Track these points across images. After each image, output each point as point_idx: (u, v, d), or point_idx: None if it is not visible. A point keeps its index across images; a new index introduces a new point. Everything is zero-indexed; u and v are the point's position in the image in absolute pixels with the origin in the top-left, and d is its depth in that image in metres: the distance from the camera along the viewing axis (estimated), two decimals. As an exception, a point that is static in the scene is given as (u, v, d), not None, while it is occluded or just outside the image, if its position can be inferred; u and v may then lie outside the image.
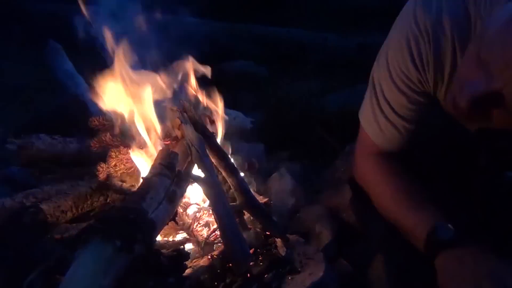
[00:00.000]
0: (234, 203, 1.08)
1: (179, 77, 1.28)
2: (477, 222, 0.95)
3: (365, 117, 1.01)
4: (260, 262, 0.96)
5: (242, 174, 1.20)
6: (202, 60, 1.31)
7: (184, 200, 1.11)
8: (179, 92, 1.27)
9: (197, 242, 1.04)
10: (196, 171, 1.06)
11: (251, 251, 0.96)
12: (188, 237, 1.07)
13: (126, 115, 1.16)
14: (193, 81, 1.31)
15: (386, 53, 0.93)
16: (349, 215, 1.18)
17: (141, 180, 0.93)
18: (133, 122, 1.15)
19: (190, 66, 1.31)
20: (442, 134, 0.99)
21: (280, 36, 3.60)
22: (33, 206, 1.03)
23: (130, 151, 1.15)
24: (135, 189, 1.07)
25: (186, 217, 1.09)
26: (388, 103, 0.94)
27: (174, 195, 0.93)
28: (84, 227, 0.76)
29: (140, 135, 1.15)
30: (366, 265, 1.04)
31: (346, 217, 1.18)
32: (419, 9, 0.84)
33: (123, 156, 1.15)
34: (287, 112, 2.16)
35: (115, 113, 1.18)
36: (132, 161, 1.15)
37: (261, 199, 1.18)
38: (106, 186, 1.15)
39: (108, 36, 1.19)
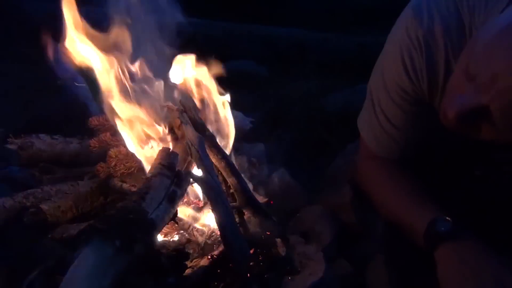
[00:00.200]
0: (234, 203, 1.08)
1: (179, 77, 1.28)
2: (476, 221, 0.95)
3: (363, 125, 1.02)
4: (260, 262, 0.96)
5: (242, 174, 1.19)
6: (202, 60, 1.31)
7: (184, 200, 1.11)
8: (179, 92, 1.27)
9: (197, 242, 1.04)
10: (196, 171, 1.06)
11: (251, 251, 0.96)
12: (188, 237, 1.07)
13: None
14: (193, 81, 1.31)
15: (381, 65, 0.93)
16: (349, 215, 1.18)
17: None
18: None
19: (190, 66, 1.30)
20: (442, 142, 0.99)
21: (280, 36, 3.59)
22: (33, 206, 1.03)
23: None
24: (135, 189, 1.07)
25: (186, 217, 1.09)
26: (384, 114, 0.94)
27: (174, 195, 0.93)
28: (84, 227, 0.76)
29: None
30: (366, 265, 1.04)
31: (346, 217, 1.18)
32: (411, 20, 0.83)
33: (123, 156, 1.15)
34: (287, 112, 2.15)
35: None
36: (132, 161, 1.15)
37: (261, 199, 1.18)
38: (106, 186, 1.15)
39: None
